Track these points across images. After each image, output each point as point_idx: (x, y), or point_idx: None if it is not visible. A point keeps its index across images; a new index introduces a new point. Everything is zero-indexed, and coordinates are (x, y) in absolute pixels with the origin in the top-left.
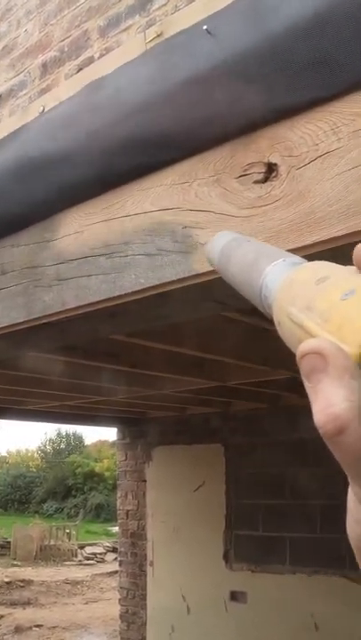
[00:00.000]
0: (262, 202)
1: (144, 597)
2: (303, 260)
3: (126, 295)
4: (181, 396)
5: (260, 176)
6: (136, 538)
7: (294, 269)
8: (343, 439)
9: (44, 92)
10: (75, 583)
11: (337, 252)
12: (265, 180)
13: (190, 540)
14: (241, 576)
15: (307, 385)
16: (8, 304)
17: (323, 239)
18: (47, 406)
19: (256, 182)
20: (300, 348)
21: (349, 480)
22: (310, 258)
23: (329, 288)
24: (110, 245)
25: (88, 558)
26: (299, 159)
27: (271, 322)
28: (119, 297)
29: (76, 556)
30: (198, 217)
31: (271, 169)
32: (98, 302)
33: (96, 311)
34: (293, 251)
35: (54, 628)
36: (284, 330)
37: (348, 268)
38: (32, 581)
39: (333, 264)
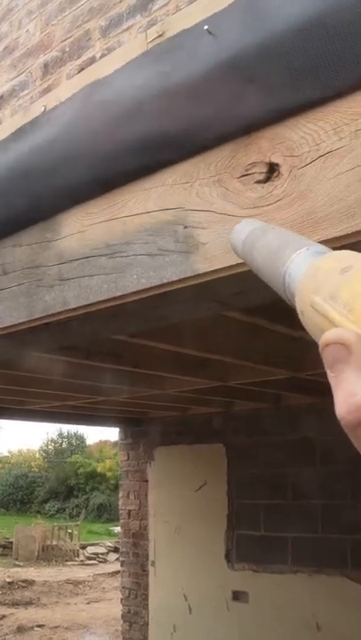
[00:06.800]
0: (264, 202)
1: (146, 597)
2: (327, 248)
3: (128, 295)
4: (183, 396)
5: (262, 176)
6: (138, 538)
7: (319, 258)
8: None
9: (45, 92)
10: (77, 583)
11: None
12: (266, 179)
13: (192, 540)
14: (243, 576)
15: (329, 375)
16: (10, 304)
17: (324, 239)
18: (49, 406)
19: (258, 182)
20: (323, 338)
21: None
22: None
23: (353, 278)
24: (112, 245)
25: (90, 558)
26: (300, 159)
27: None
28: (121, 297)
29: (77, 556)
30: (200, 217)
31: (273, 169)
32: (99, 302)
33: (98, 311)
34: None
35: (56, 628)
36: (307, 319)
37: None
38: (34, 581)
39: (358, 254)
